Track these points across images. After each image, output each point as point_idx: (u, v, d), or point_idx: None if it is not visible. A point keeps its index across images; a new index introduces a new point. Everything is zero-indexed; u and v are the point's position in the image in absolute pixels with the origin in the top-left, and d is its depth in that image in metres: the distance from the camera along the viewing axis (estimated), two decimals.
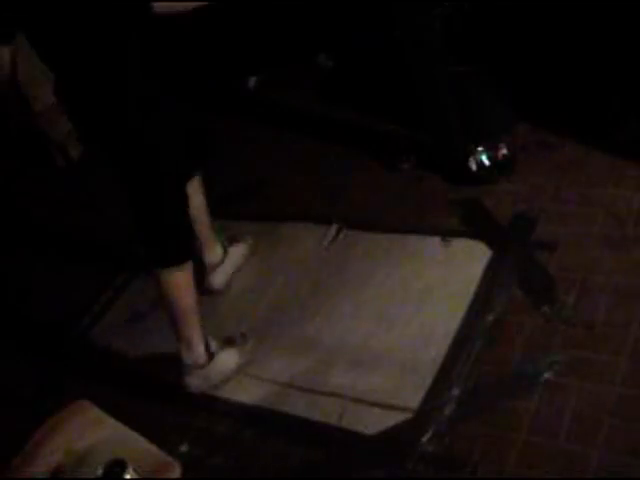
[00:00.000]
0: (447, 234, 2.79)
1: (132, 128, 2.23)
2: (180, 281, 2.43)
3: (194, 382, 2.51)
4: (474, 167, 2.99)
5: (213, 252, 2.86)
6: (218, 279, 2.89)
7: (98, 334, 3.02)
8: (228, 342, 2.60)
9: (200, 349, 2.48)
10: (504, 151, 2.99)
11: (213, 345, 2.53)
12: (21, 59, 4.03)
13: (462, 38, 2.86)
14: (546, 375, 2.19)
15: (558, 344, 2.26)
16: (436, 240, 2.80)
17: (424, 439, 2.15)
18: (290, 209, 3.21)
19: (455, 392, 2.24)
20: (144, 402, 2.60)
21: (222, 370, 2.53)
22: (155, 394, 2.66)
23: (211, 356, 2.50)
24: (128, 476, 1.66)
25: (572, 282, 2.43)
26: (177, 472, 1.77)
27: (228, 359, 2.55)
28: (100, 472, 1.68)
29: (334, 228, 3.02)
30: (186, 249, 2.48)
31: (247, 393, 2.51)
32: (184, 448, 2.36)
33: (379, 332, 2.54)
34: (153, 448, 1.82)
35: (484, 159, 2.99)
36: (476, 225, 2.81)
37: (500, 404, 2.18)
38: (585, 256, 2.50)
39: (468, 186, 2.98)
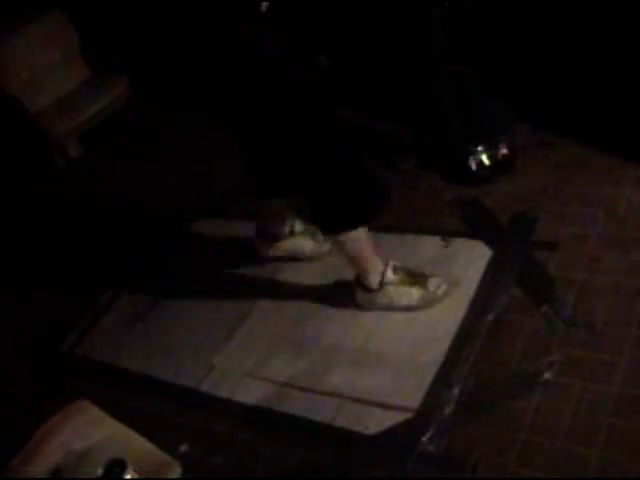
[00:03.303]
0: (447, 234, 2.80)
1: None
2: (361, 234, 2.48)
3: (361, 301, 2.60)
4: (474, 167, 2.99)
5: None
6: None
7: (98, 334, 3.02)
8: (416, 279, 2.57)
9: (373, 278, 2.53)
10: (504, 151, 2.99)
11: (389, 275, 2.54)
12: (23, 57, 4.06)
13: (462, 38, 2.86)
14: (546, 375, 2.19)
15: (558, 344, 2.26)
16: (436, 240, 2.80)
17: (424, 439, 2.15)
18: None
19: (455, 392, 2.24)
20: (144, 402, 2.60)
21: (389, 302, 2.56)
22: (155, 394, 2.66)
23: (382, 284, 2.54)
24: (128, 476, 1.66)
25: (572, 282, 2.43)
26: (177, 472, 1.78)
27: (399, 295, 2.56)
28: (100, 472, 1.68)
29: None
30: (381, 202, 2.50)
31: (247, 393, 2.51)
32: (184, 448, 2.36)
33: (379, 332, 2.54)
34: (153, 448, 1.82)
35: (484, 159, 2.99)
36: (476, 225, 2.81)
37: (500, 404, 2.18)
38: (585, 256, 2.50)
39: (468, 186, 2.98)
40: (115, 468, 1.67)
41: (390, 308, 2.57)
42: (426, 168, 3.16)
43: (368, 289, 2.56)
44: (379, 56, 3.35)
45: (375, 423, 2.25)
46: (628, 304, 2.30)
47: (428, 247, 2.79)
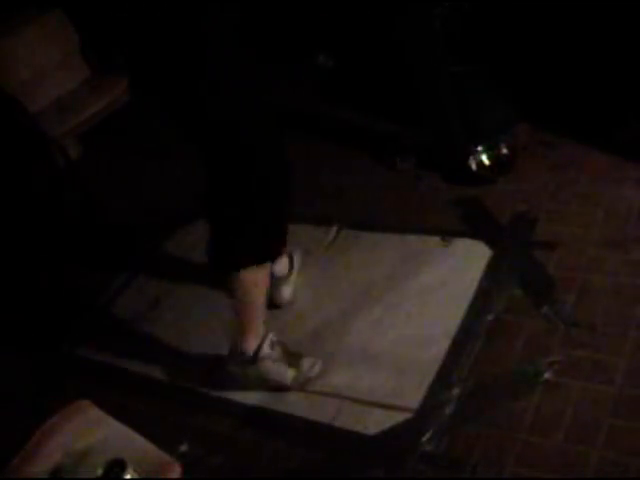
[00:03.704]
0: (447, 234, 2.80)
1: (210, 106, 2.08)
2: (259, 278, 2.33)
3: (233, 371, 2.43)
4: (474, 167, 2.99)
5: (281, 262, 2.69)
6: (287, 292, 2.73)
7: (98, 334, 3.02)
8: (290, 358, 2.42)
9: (250, 346, 2.36)
10: (504, 151, 2.99)
11: (266, 348, 2.37)
12: (23, 57, 4.06)
13: (462, 38, 2.86)
14: (546, 375, 2.19)
15: (558, 344, 2.26)
16: (436, 240, 2.80)
17: (424, 439, 2.14)
18: (290, 209, 3.21)
19: (455, 392, 2.24)
20: (144, 402, 2.60)
21: (261, 376, 2.41)
22: (155, 394, 2.66)
23: (257, 356, 2.36)
24: (128, 476, 1.66)
25: (572, 282, 2.43)
26: (177, 472, 1.77)
27: (271, 372, 2.40)
28: (100, 472, 1.67)
29: (334, 228, 3.02)
30: (279, 247, 2.38)
31: (247, 393, 2.51)
32: (184, 448, 2.35)
33: (379, 332, 2.54)
34: (153, 448, 1.82)
35: (484, 159, 2.99)
36: (476, 225, 2.81)
37: (500, 404, 2.18)
38: (585, 256, 2.50)
39: (468, 186, 2.98)
40: (115, 468, 1.66)
41: (261, 383, 2.41)
42: (426, 168, 3.16)
43: (243, 358, 2.37)
44: (379, 56, 3.35)
45: (375, 423, 2.25)
46: (628, 304, 2.30)
47: (428, 247, 2.79)
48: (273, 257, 2.40)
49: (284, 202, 2.36)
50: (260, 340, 2.37)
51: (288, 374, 2.41)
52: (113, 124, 4.20)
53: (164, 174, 3.77)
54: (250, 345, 2.36)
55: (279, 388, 2.42)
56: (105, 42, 4.18)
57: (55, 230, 3.70)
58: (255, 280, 2.34)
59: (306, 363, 2.44)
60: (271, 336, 2.39)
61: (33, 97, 4.09)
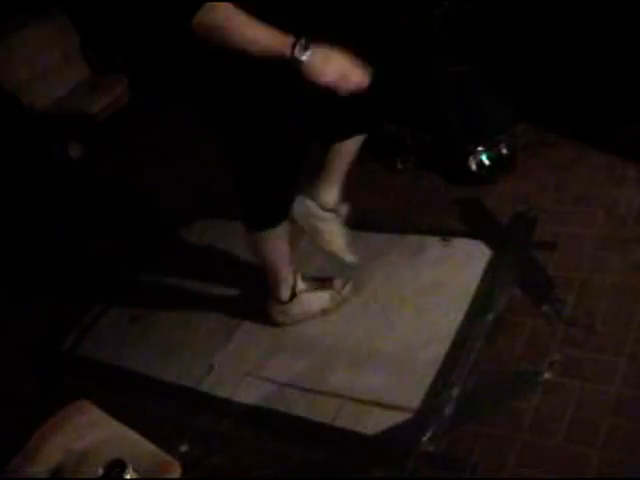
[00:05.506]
0: (447, 234, 2.80)
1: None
2: (273, 241, 2.49)
3: (275, 316, 2.65)
4: (474, 167, 2.99)
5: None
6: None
7: (98, 334, 3.02)
8: (323, 284, 2.67)
9: (285, 290, 2.59)
10: (504, 151, 2.99)
11: (300, 285, 2.61)
12: (23, 57, 4.06)
13: (462, 38, 2.86)
14: (546, 375, 2.19)
15: (558, 344, 2.26)
16: (436, 240, 2.80)
17: (424, 439, 2.15)
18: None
19: (455, 392, 2.24)
20: (144, 402, 2.60)
21: (303, 309, 2.63)
22: (155, 394, 2.66)
23: (294, 294, 2.60)
24: (128, 476, 1.66)
25: (572, 282, 2.43)
26: (177, 472, 1.77)
27: (311, 301, 2.64)
28: (100, 472, 1.68)
29: None
30: (284, 212, 2.46)
31: (247, 393, 2.51)
32: (184, 448, 2.36)
33: (379, 332, 2.54)
34: (153, 448, 1.82)
35: (484, 159, 2.99)
36: (476, 225, 2.81)
37: (500, 404, 2.18)
38: (585, 256, 2.50)
39: (468, 186, 2.98)
40: (115, 468, 1.67)
41: (304, 316, 2.63)
42: (426, 168, 3.16)
43: (280, 301, 2.60)
44: (379, 56, 3.35)
45: (375, 423, 2.25)
46: (628, 304, 2.30)
47: (428, 247, 2.79)
48: (273, 223, 2.46)
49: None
50: (292, 282, 2.58)
51: (325, 297, 2.63)
52: (113, 124, 4.21)
53: (164, 174, 3.77)
54: (285, 291, 2.58)
55: (323, 313, 2.62)
56: (105, 42, 4.19)
57: (54, 230, 3.71)
58: (268, 244, 2.48)
59: (338, 284, 2.66)
60: (300, 274, 2.61)
61: (33, 97, 4.09)
